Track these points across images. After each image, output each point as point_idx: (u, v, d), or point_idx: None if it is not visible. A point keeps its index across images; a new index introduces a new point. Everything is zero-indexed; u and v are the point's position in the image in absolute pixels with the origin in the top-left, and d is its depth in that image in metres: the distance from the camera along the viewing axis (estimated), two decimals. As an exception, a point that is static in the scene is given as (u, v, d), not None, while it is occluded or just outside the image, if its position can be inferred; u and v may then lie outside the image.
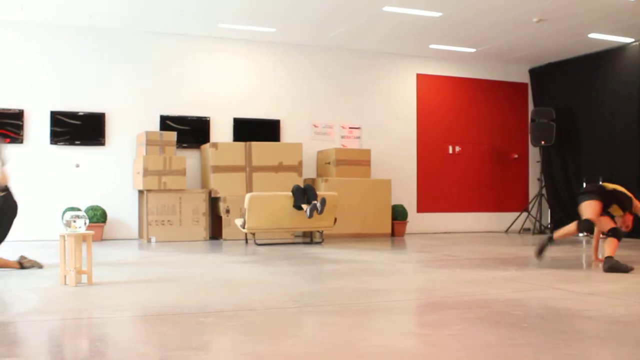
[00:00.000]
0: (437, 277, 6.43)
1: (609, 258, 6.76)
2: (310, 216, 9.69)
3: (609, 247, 6.91)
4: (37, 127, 11.00)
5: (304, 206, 9.82)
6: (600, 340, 3.68)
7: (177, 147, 11.28)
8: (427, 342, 3.65)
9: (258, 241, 10.09)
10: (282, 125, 12.44)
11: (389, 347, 3.49)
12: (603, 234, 7.32)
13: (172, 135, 11.10)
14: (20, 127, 10.88)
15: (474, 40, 12.30)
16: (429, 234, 12.86)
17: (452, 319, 4.31)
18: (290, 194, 10.08)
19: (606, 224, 7.18)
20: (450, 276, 6.43)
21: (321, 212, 9.69)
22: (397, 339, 3.72)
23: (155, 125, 11.57)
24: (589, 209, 7.15)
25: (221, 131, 12.03)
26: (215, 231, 11.27)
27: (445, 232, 13.34)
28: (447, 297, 5.19)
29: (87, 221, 5.65)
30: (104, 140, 11.35)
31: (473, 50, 13.01)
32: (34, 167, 10.89)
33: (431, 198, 13.52)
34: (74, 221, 5.56)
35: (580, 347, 3.49)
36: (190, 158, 11.59)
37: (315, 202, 9.74)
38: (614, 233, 7.00)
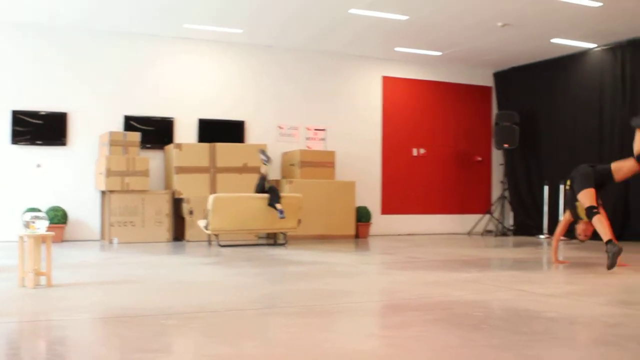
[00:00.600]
0: (400, 278, 6.46)
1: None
2: (283, 217, 9.75)
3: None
4: (-3, 127, 10.83)
5: (278, 206, 9.82)
6: (559, 341, 3.72)
7: (141, 148, 11.16)
8: (389, 344, 3.66)
9: (221, 242, 10.04)
10: (247, 126, 12.40)
11: (351, 349, 3.49)
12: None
13: (136, 136, 11.00)
14: (-21, 126, 10.69)
15: (440, 43, 12.38)
16: (393, 236, 12.90)
17: (414, 320, 4.34)
18: (257, 195, 10.07)
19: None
20: (413, 278, 6.46)
21: (268, 160, 10.29)
22: (360, 341, 3.73)
23: (119, 126, 11.45)
24: (587, 197, 7.29)
25: (185, 132, 11.96)
26: (179, 232, 11.19)
27: (408, 234, 13.40)
28: (410, 298, 5.21)
29: (47, 222, 5.57)
30: (66, 140, 11.20)
31: (439, 53, 13.10)
32: (-6, 167, 10.72)
33: (395, 200, 13.58)
34: (34, 222, 5.48)
35: (540, 347, 3.53)
36: (154, 159, 11.49)
37: (278, 208, 9.79)
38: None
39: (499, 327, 4.11)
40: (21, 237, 5.56)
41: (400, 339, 3.75)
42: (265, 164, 10.26)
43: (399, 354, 3.42)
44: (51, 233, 5.65)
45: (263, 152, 10.40)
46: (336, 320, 4.36)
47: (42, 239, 5.56)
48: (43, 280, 5.56)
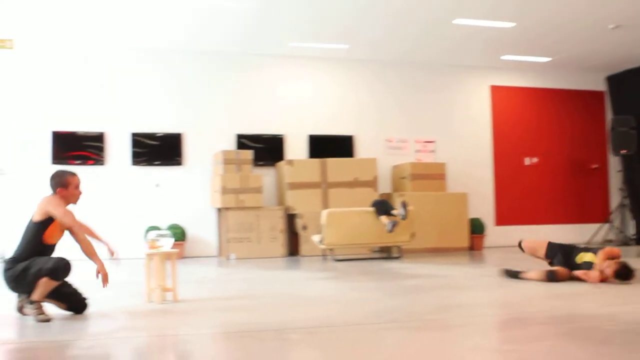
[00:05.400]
0: (521, 291, 6.30)
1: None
2: (391, 230, 9.68)
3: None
4: (118, 149, 11.29)
5: (384, 219, 9.79)
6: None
7: (253, 165, 11.40)
8: (517, 359, 3.58)
9: (336, 257, 10.10)
10: (355, 140, 12.45)
11: (478, 364, 3.44)
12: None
13: (248, 154, 11.25)
14: (101, 149, 11.19)
15: (548, 49, 12.08)
16: (509, 248, 12.60)
17: (540, 334, 4.22)
18: (370, 208, 10.08)
19: None
20: (534, 290, 6.29)
21: (405, 216, 9.74)
22: (488, 356, 3.66)
23: (231, 144, 11.73)
24: None
25: (296, 148, 12.12)
26: (293, 248, 11.32)
27: (524, 245, 13.05)
28: (533, 311, 5.09)
29: (172, 240, 5.77)
30: (182, 160, 11.58)
31: (547, 59, 12.78)
32: (116, 188, 11.17)
33: (509, 210, 13.29)
34: (158, 240, 5.69)
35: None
36: (266, 176, 11.69)
37: (396, 213, 9.75)
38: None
39: (632, 342, 3.94)
40: (148, 255, 5.76)
41: (528, 354, 3.66)
42: (398, 215, 9.90)
43: (529, 368, 3.34)
44: (175, 250, 5.85)
45: (404, 206, 9.93)
46: (460, 334, 4.30)
47: (167, 256, 5.75)
48: (169, 295, 5.74)
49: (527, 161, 13.54)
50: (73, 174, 5.30)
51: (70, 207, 5.28)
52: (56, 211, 5.04)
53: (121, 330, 4.56)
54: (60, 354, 3.85)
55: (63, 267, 4.81)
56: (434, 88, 13.00)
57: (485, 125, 13.30)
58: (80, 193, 5.31)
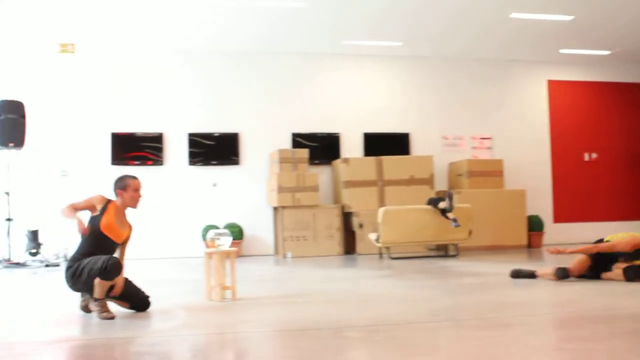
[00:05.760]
0: (582, 289, 6.18)
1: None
2: (457, 226, 9.61)
3: None
4: (176, 149, 11.46)
5: (450, 215, 9.74)
6: None
7: (309, 164, 11.45)
8: (580, 358, 3.52)
9: (392, 255, 10.08)
10: (411, 138, 12.41)
11: (540, 363, 3.40)
12: None
13: (304, 152, 11.30)
14: (160, 150, 11.37)
15: (608, 41, 11.85)
16: (568, 245, 12.39)
17: (603, 333, 4.15)
18: (426, 206, 10.03)
19: None
20: (596, 289, 6.17)
21: (451, 208, 9.74)
22: (552, 355, 3.62)
23: (286, 143, 11.80)
24: None
25: (351, 146, 12.13)
26: (349, 246, 11.33)
27: (584, 243, 12.81)
28: (595, 310, 5.00)
29: (231, 239, 5.83)
30: (239, 160, 11.69)
31: (607, 52, 12.53)
32: (174, 188, 11.35)
33: (568, 207, 13.07)
34: (218, 239, 5.76)
35: None
36: (322, 174, 11.72)
37: (451, 217, 9.69)
38: None
39: (700, 340, 3.85)
40: (207, 254, 5.83)
41: (592, 353, 3.60)
42: (445, 208, 9.90)
43: (593, 368, 3.29)
44: (234, 249, 5.91)
45: (450, 197, 9.92)
46: (520, 332, 4.26)
47: (226, 255, 5.82)
48: (228, 293, 5.81)
49: (586, 157, 13.29)
50: (134, 178, 5.38)
51: (129, 210, 5.36)
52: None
53: (182, 327, 4.63)
54: (124, 351, 3.93)
55: (111, 267, 4.85)
56: (490, 84, 12.87)
57: (542, 121, 13.11)
58: (139, 196, 5.34)
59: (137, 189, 5.33)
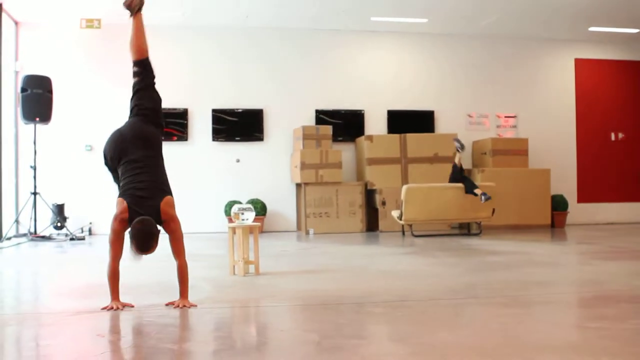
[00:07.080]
0: (605, 269, 6.16)
1: None
2: (487, 199, 9.59)
3: None
4: (200, 125, 11.51)
5: (477, 191, 9.72)
6: None
7: (333, 141, 11.44)
8: (604, 336, 3.50)
9: (415, 232, 10.08)
10: (436, 116, 12.35)
11: (565, 340, 3.39)
12: None
13: (328, 129, 11.29)
14: (184, 126, 11.42)
15: (637, 20, 11.66)
16: (592, 225, 12.35)
17: (627, 312, 4.13)
18: (447, 184, 10.02)
19: None
20: (619, 268, 6.14)
21: (462, 147, 10.14)
22: (572, 332, 3.61)
23: (310, 120, 11.80)
24: None
25: (375, 124, 12.10)
26: (372, 223, 11.34)
27: (608, 223, 12.76)
28: (619, 289, 4.97)
29: (254, 214, 5.86)
30: (262, 136, 11.71)
31: (636, 30, 12.34)
32: (198, 163, 11.40)
33: (593, 188, 12.97)
34: (242, 213, 5.79)
35: None
36: (345, 151, 11.72)
37: (479, 192, 9.68)
38: None
39: None
40: (231, 228, 5.87)
41: (615, 331, 3.58)
42: (459, 152, 10.12)
43: (617, 346, 3.27)
44: (257, 224, 5.94)
45: (457, 140, 10.28)
46: (543, 310, 4.25)
47: (249, 230, 5.85)
48: (251, 268, 5.85)
49: (613, 137, 13.16)
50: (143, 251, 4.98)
51: None
52: None
53: (207, 300, 4.66)
54: (149, 323, 3.97)
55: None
56: (515, 62, 12.76)
57: (568, 100, 12.98)
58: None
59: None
